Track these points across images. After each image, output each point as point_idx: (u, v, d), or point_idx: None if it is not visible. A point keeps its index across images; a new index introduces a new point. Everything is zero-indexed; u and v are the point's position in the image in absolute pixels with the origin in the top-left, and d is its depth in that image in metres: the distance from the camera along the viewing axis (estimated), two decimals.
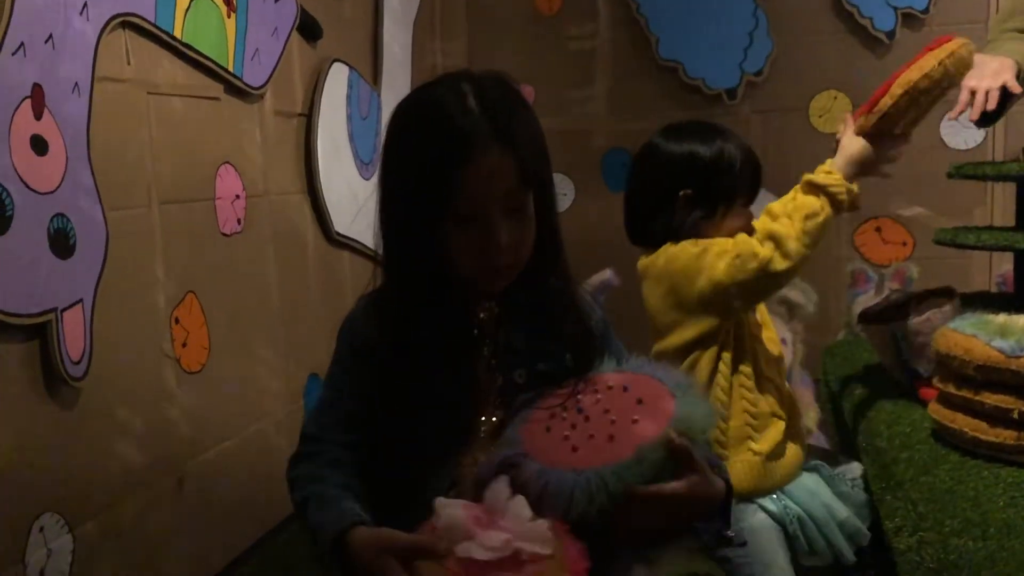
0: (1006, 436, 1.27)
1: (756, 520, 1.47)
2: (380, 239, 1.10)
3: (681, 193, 1.51)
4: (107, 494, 1.49)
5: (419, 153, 1.02)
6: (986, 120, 1.76)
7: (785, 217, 1.42)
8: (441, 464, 1.06)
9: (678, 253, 1.50)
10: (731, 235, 1.52)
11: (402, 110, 1.08)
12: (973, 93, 1.69)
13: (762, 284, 1.43)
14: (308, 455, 1.09)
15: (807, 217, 1.40)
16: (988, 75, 1.69)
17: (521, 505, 0.86)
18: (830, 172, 1.43)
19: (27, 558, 1.31)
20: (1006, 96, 1.69)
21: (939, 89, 1.44)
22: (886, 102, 1.43)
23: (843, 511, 1.51)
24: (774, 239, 1.41)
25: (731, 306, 1.46)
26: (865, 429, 1.55)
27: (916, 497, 1.20)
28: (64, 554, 1.38)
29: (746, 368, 1.52)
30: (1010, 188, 2.05)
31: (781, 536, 1.48)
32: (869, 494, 1.50)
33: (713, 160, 1.51)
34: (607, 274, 2.70)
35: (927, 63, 1.42)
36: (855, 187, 1.43)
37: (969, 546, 1.03)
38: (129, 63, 1.56)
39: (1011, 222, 1.99)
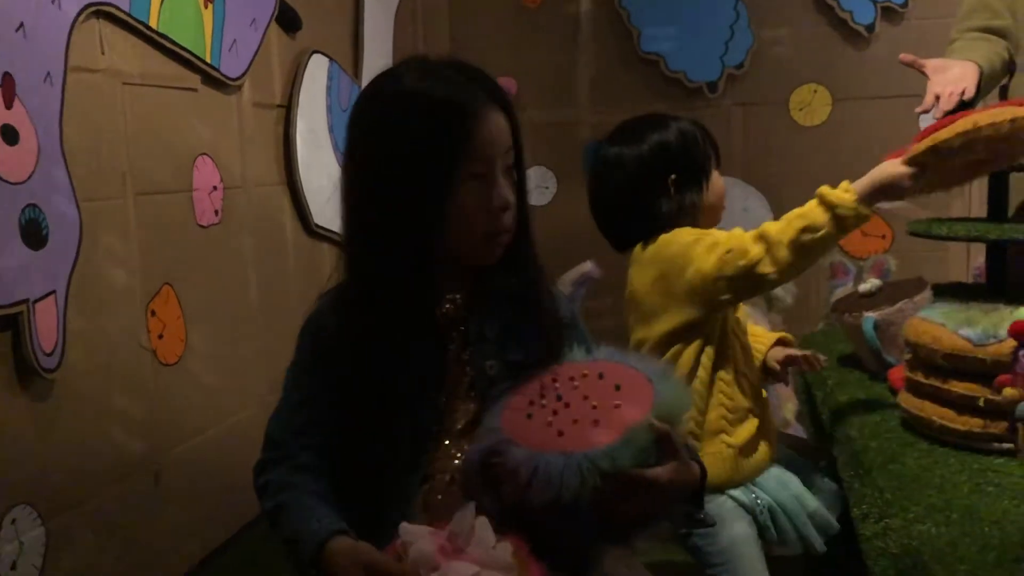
0: (973, 424, 1.29)
1: (727, 510, 1.48)
2: (348, 235, 1.10)
3: (670, 179, 1.54)
4: (82, 487, 1.49)
5: (418, 131, 1.02)
6: None
7: (785, 222, 1.41)
8: (413, 460, 1.06)
9: (672, 239, 1.52)
10: (719, 199, 1.60)
11: (378, 103, 1.09)
12: (937, 97, 1.70)
13: (748, 283, 1.44)
14: (274, 461, 1.09)
15: (805, 230, 1.38)
16: (951, 81, 1.70)
17: (485, 529, 0.86)
18: (847, 191, 1.39)
19: None
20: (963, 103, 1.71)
21: (1001, 143, 1.37)
22: (943, 134, 1.37)
23: (813, 502, 1.53)
24: (767, 241, 1.41)
25: (718, 299, 1.47)
26: (837, 418, 1.56)
27: (883, 484, 1.21)
28: (37, 547, 1.37)
29: (727, 364, 1.53)
30: (986, 182, 2.06)
31: (752, 526, 1.50)
32: (839, 483, 1.52)
33: (680, 141, 1.56)
34: (588, 266, 2.71)
35: (1001, 114, 1.35)
36: (867, 211, 1.38)
37: (932, 532, 1.05)
38: (103, 53, 1.56)
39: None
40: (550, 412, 0.97)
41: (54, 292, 1.40)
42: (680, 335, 1.52)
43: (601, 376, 0.99)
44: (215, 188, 1.90)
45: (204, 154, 1.86)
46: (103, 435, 1.54)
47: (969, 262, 2.97)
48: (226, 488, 1.86)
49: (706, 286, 1.46)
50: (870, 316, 1.64)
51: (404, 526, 0.87)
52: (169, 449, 1.72)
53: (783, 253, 1.38)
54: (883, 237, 3.02)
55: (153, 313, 1.68)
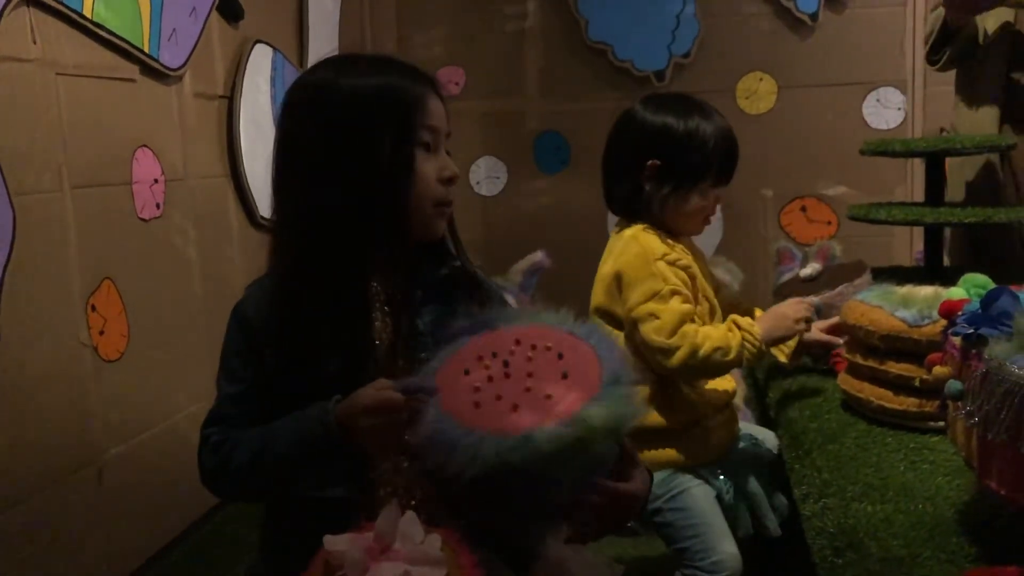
0: (909, 404, 1.32)
1: (696, 488, 1.49)
2: (281, 223, 1.09)
3: (649, 163, 1.50)
4: (23, 486, 1.46)
5: (368, 108, 1.05)
6: None
7: (704, 338, 1.42)
8: (365, 462, 1.04)
9: (638, 250, 1.48)
10: (695, 214, 1.53)
11: (314, 90, 1.10)
12: None
13: (650, 354, 1.44)
14: (218, 432, 1.07)
15: (718, 350, 1.42)
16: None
17: (412, 524, 0.85)
18: (752, 326, 1.47)
19: None
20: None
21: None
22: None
23: (769, 486, 1.55)
24: (692, 346, 1.41)
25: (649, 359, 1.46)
26: (779, 401, 1.58)
27: (822, 464, 1.23)
28: None
29: None
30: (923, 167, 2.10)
31: (717, 504, 1.51)
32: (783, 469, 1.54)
33: (685, 135, 1.49)
34: (539, 255, 2.72)
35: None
36: (765, 348, 1.46)
37: (868, 510, 1.07)
38: (35, 43, 1.52)
39: None
40: (486, 377, 0.93)
41: None
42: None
43: (561, 356, 0.94)
44: (156, 181, 1.87)
45: (144, 146, 1.83)
46: (42, 433, 1.51)
47: (912, 247, 3.03)
48: (172, 485, 1.84)
49: (629, 326, 1.47)
50: (812, 300, 1.67)
51: (327, 537, 0.84)
52: (112, 447, 1.69)
53: (691, 361, 1.41)
54: (828, 223, 3.07)
55: (93, 308, 1.65)
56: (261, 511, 1.13)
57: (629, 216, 1.55)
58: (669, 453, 1.50)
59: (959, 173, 2.05)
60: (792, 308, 1.50)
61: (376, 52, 1.17)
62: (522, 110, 3.21)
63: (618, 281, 1.49)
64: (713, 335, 1.42)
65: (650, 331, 1.42)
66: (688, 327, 1.42)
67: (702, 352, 1.40)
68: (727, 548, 1.45)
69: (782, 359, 1.49)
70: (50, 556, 1.51)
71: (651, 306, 1.43)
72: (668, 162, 1.50)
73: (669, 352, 1.41)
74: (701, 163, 1.49)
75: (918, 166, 3.05)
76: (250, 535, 1.21)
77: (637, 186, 1.52)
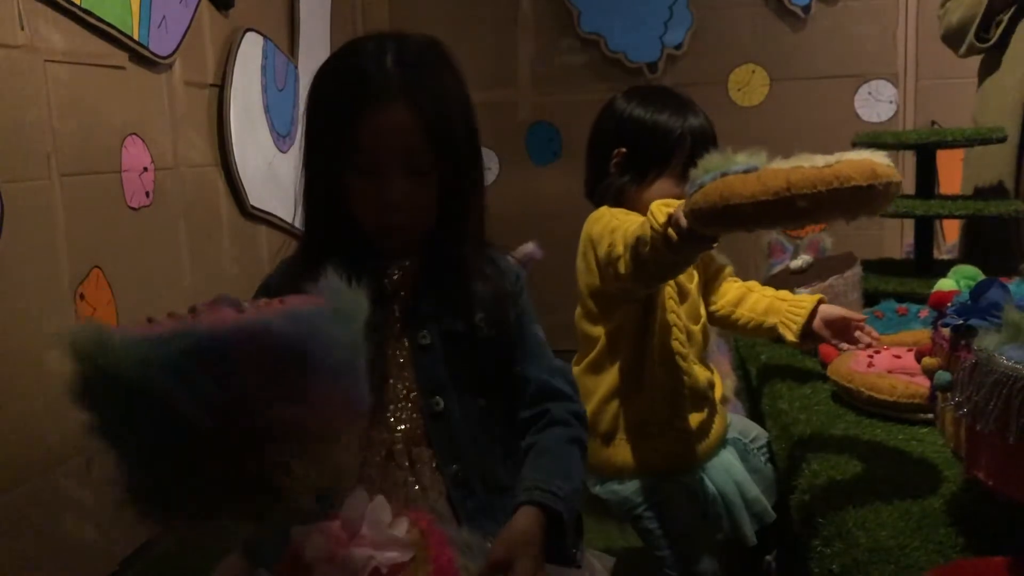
0: (899, 394, 1.32)
1: (676, 497, 1.49)
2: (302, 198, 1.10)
3: (615, 151, 1.51)
4: (10, 475, 1.45)
5: (329, 102, 1.05)
6: None
7: (636, 227, 1.27)
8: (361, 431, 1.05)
9: (598, 217, 1.48)
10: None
11: (326, 61, 1.10)
12: None
13: (614, 278, 1.34)
14: None
15: (640, 240, 1.22)
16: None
17: (380, 510, 0.83)
18: (662, 212, 1.16)
19: None
20: None
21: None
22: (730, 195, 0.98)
23: (753, 490, 1.53)
24: (625, 242, 1.29)
25: (618, 287, 1.39)
26: (769, 392, 1.59)
27: (810, 455, 1.23)
28: None
29: (672, 344, 1.50)
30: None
31: (698, 512, 1.51)
32: (775, 462, 1.54)
33: (651, 125, 1.49)
34: (530, 247, 2.70)
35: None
36: (672, 232, 1.11)
37: (857, 500, 1.07)
38: (23, 28, 1.51)
39: None
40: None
41: None
42: (612, 310, 1.51)
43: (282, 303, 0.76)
44: (146, 169, 1.86)
45: (133, 134, 1.82)
46: (31, 422, 1.50)
47: (903, 240, 3.04)
48: None
49: (604, 272, 1.41)
50: (801, 292, 1.67)
51: (294, 528, 0.81)
52: None
53: (627, 257, 1.28)
54: None
55: (82, 297, 1.64)
56: None
57: (598, 204, 1.55)
58: (648, 456, 1.49)
59: (977, 164, 2.03)
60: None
61: (368, 32, 1.11)
62: (514, 101, 3.20)
63: (593, 249, 1.47)
64: (640, 224, 1.25)
65: (610, 254, 1.33)
66: (635, 227, 1.27)
67: (629, 245, 1.26)
68: (705, 561, 1.46)
69: (790, 337, 1.47)
70: (38, 546, 1.50)
71: (609, 238, 1.35)
72: (631, 150, 1.50)
73: (618, 260, 1.30)
74: (663, 153, 1.48)
75: (909, 160, 3.06)
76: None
77: (606, 174, 1.53)
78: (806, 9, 3.00)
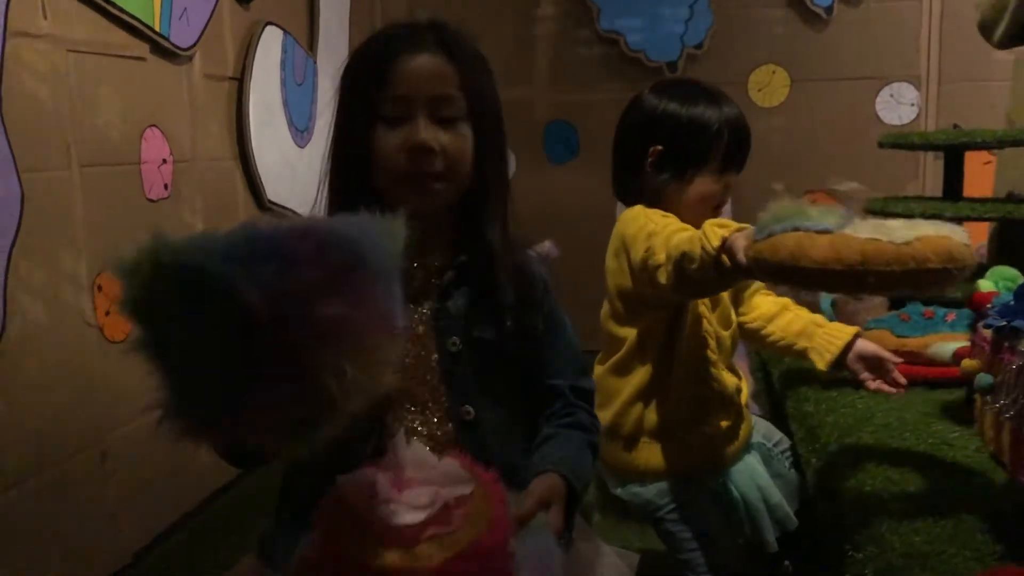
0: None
1: (699, 501, 1.47)
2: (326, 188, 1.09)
3: (651, 148, 1.47)
4: (26, 465, 1.44)
5: (364, 62, 1.05)
6: None
7: (681, 240, 1.23)
8: (368, 427, 1.03)
9: (632, 217, 1.43)
10: (697, 202, 1.47)
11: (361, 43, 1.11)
12: None
13: (652, 286, 1.30)
14: None
15: (686, 256, 1.18)
16: None
17: (421, 451, 0.82)
18: (718, 236, 1.13)
19: None
20: None
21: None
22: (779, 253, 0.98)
23: (776, 495, 1.51)
24: (667, 252, 1.25)
25: (654, 292, 1.34)
26: (794, 395, 1.56)
27: (839, 459, 1.21)
28: None
29: (704, 348, 1.47)
30: (941, 163, 2.08)
31: (721, 516, 1.49)
32: (799, 466, 1.51)
33: (687, 120, 1.45)
34: (547, 245, 2.68)
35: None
36: (724, 261, 1.10)
37: (889, 505, 1.05)
38: (46, 18, 1.50)
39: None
40: None
41: None
42: (641, 313, 1.48)
43: None
44: (164, 161, 1.85)
45: (153, 126, 1.81)
46: (46, 413, 1.49)
47: None
48: (176, 467, 1.82)
49: (638, 276, 1.38)
50: (827, 294, 1.65)
51: (340, 477, 0.79)
52: (116, 428, 1.67)
53: (669, 269, 1.24)
54: None
55: (100, 288, 1.63)
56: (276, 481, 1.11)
57: (630, 203, 1.52)
58: (671, 460, 1.46)
59: (1010, 166, 1.99)
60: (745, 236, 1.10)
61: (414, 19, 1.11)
62: (532, 99, 3.18)
63: (626, 250, 1.43)
64: (687, 238, 1.21)
65: (648, 261, 1.29)
66: (676, 234, 1.25)
67: (674, 259, 1.21)
68: (725, 565, 1.44)
69: (820, 366, 1.45)
70: (51, 537, 1.49)
71: (646, 244, 1.32)
72: (668, 148, 1.46)
73: (658, 270, 1.26)
74: (702, 149, 1.45)
75: (930, 162, 3.03)
76: (253, 519, 1.19)
77: (640, 172, 1.49)
78: (828, 10, 2.97)
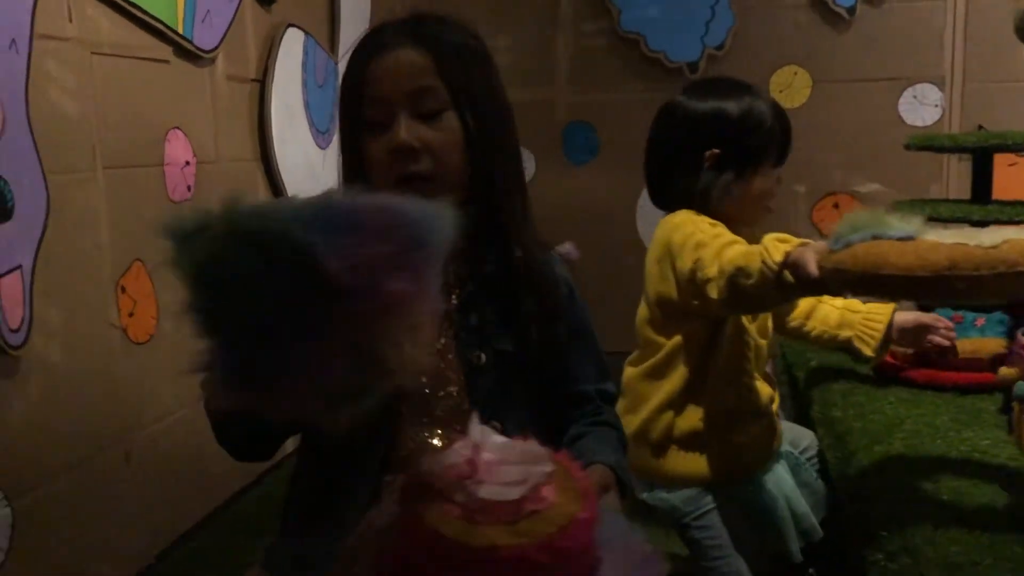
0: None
1: (727, 505, 1.46)
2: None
3: (708, 153, 1.44)
4: (51, 466, 1.44)
5: (347, 69, 1.04)
6: None
7: (736, 255, 1.23)
8: (390, 441, 1.01)
9: (680, 224, 1.41)
10: (760, 199, 1.46)
11: None
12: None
13: (702, 299, 1.29)
14: None
15: (741, 271, 1.18)
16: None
17: (491, 433, 0.77)
18: (779, 250, 1.11)
19: None
20: None
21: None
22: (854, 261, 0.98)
23: (802, 506, 1.49)
24: (720, 265, 1.24)
25: (698, 303, 1.33)
26: (820, 399, 1.55)
27: (868, 466, 1.20)
28: (3, 527, 1.33)
29: (743, 359, 1.46)
30: (965, 165, 2.07)
31: (747, 523, 1.48)
32: (825, 470, 1.50)
33: (741, 117, 1.43)
34: (567, 247, 2.68)
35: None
36: (788, 276, 1.09)
37: (922, 514, 1.04)
38: (71, 21, 1.50)
39: (967, 197, 2.00)
40: None
41: (20, 267, 1.35)
42: (681, 321, 1.45)
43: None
44: (187, 163, 1.85)
45: (176, 128, 1.81)
46: (71, 413, 1.49)
47: None
48: (200, 468, 1.82)
49: (684, 287, 1.37)
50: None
51: (421, 458, 0.75)
52: (140, 428, 1.67)
53: (722, 284, 1.22)
54: None
55: (123, 290, 1.63)
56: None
57: (672, 208, 1.50)
58: (700, 467, 1.45)
59: None
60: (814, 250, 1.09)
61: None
62: (551, 100, 3.17)
63: (670, 257, 1.40)
64: (742, 253, 1.21)
65: (697, 274, 1.26)
66: (726, 248, 1.23)
67: (728, 274, 1.20)
68: (750, 573, 1.43)
69: (868, 352, 1.43)
70: (77, 536, 1.50)
71: (694, 255, 1.30)
72: (728, 148, 1.43)
73: (708, 284, 1.24)
74: (761, 144, 1.43)
75: (954, 164, 3.00)
76: (277, 520, 1.19)
77: (692, 178, 1.45)
78: (851, 11, 2.94)
